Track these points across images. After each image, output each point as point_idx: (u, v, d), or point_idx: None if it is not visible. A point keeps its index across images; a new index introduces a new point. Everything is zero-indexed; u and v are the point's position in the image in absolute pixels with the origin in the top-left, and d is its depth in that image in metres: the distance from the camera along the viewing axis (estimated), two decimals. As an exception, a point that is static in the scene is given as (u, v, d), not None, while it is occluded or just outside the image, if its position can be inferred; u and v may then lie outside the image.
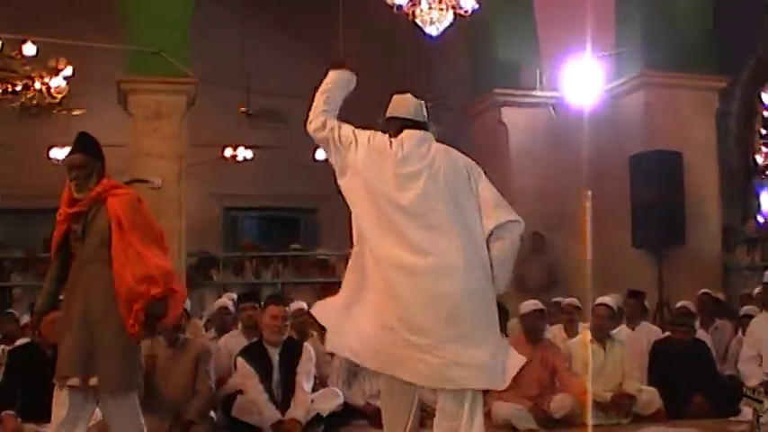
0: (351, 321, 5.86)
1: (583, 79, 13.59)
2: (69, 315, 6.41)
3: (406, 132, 6.08)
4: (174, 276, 6.47)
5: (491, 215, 6.04)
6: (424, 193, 5.84)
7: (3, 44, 12.17)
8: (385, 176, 5.92)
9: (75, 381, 6.24)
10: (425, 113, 6.31)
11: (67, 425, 6.26)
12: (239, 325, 10.02)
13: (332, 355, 9.49)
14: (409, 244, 5.74)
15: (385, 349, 5.73)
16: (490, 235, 5.96)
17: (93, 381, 6.23)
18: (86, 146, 6.77)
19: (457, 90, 17.08)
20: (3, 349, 9.57)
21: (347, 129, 6.15)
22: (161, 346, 8.61)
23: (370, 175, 5.97)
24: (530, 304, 9.82)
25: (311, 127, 6.35)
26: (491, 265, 6.00)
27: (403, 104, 6.31)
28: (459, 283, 5.72)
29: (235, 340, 9.70)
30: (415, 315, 5.67)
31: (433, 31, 11.47)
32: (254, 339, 9.16)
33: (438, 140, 6.19)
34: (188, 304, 10.09)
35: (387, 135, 6.10)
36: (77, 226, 6.49)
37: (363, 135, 6.08)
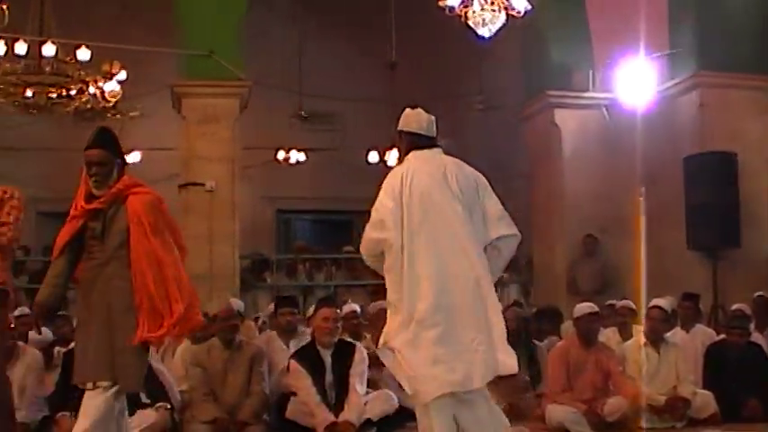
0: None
1: (636, 80, 13.52)
2: (89, 316, 6.27)
3: (413, 155, 6.31)
4: (193, 298, 6.47)
5: (495, 226, 6.26)
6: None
7: (57, 49, 12.28)
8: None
9: (104, 383, 6.09)
10: (436, 129, 6.48)
11: (100, 427, 6.08)
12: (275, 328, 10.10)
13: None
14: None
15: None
16: (488, 244, 6.15)
17: (121, 383, 6.12)
18: (106, 141, 6.57)
19: (509, 92, 17.04)
20: (58, 351, 9.64)
21: (382, 205, 6.16)
22: (217, 348, 8.67)
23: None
24: (584, 307, 9.76)
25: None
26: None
27: (415, 119, 6.46)
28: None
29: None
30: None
31: (485, 32, 11.44)
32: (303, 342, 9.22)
33: (446, 153, 6.41)
34: (241, 306, 10.14)
35: (397, 171, 6.24)
36: (96, 224, 6.33)
37: (388, 193, 6.15)
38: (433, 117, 6.51)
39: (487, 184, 6.42)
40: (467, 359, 5.82)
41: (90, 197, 6.39)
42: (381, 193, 6.17)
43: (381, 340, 6.11)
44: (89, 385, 6.10)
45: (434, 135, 6.45)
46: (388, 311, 6.11)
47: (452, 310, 5.85)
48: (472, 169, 6.43)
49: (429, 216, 6.02)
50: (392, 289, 6.01)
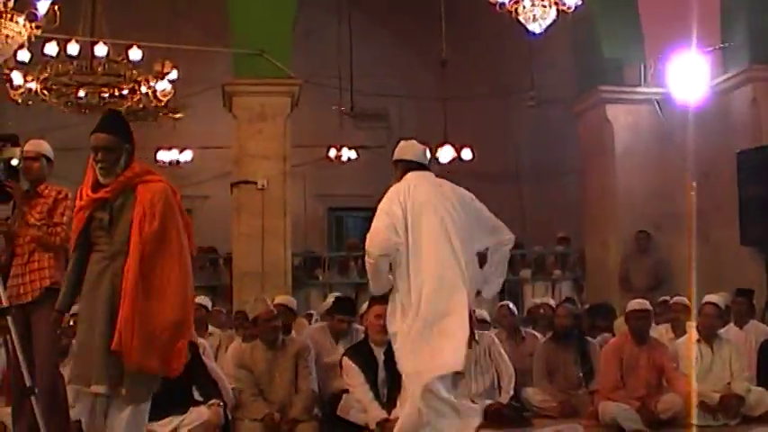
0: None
1: (688, 75, 13.40)
2: (93, 314, 5.84)
3: (410, 174, 7.11)
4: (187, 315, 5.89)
5: (492, 233, 7.21)
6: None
7: (109, 49, 12.37)
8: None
9: (101, 388, 5.79)
10: (428, 157, 7.41)
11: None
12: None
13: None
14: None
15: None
16: (487, 248, 7.10)
17: (123, 392, 5.78)
18: (115, 125, 6.05)
19: (561, 88, 16.97)
20: (112, 348, 9.71)
21: (392, 211, 6.99)
22: (260, 349, 8.67)
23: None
24: (634, 303, 9.75)
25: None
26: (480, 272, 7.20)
27: (411, 149, 7.25)
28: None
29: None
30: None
31: (536, 28, 11.39)
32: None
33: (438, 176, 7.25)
34: (294, 303, 10.16)
35: (399, 186, 7.12)
36: (102, 214, 5.91)
37: (394, 202, 7.02)
38: (425, 147, 7.35)
39: (473, 196, 7.24)
40: (450, 349, 6.66)
41: (97, 186, 5.97)
42: (387, 201, 6.97)
43: (390, 329, 6.94)
44: (95, 389, 5.82)
45: (427, 163, 7.30)
46: (392, 305, 6.90)
47: (446, 311, 6.69)
48: (461, 188, 7.23)
49: (431, 224, 6.82)
50: (399, 286, 6.79)
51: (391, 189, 7.07)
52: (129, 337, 5.62)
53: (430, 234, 6.79)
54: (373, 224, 6.99)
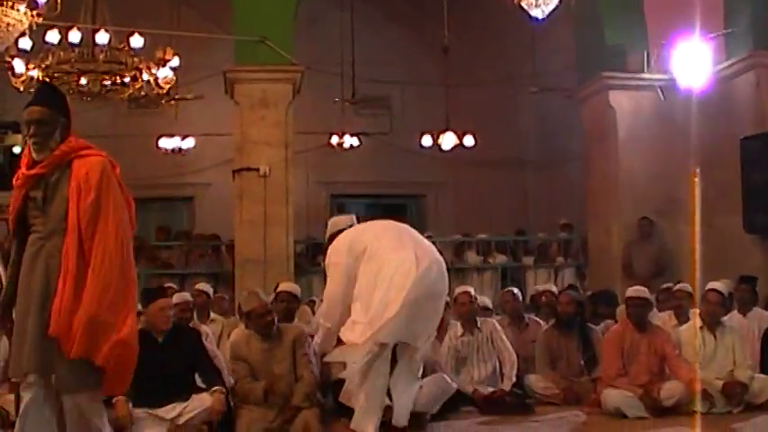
0: None
1: (691, 61, 13.36)
2: (28, 299, 5.46)
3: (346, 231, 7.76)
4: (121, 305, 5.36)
5: None
6: None
7: (110, 37, 12.35)
8: None
9: (33, 378, 5.41)
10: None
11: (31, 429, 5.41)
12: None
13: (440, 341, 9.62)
14: None
15: None
16: None
17: (53, 379, 5.40)
18: (48, 98, 5.68)
19: (564, 74, 16.94)
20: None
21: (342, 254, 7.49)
22: (255, 340, 8.61)
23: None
24: (632, 291, 9.76)
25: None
26: None
27: (343, 220, 8.05)
28: None
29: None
30: None
31: (538, 14, 11.34)
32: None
33: None
34: (298, 290, 10.16)
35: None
36: (37, 192, 5.51)
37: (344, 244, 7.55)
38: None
39: None
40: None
41: (32, 163, 5.60)
42: (335, 255, 7.51)
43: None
44: (29, 380, 5.45)
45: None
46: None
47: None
48: None
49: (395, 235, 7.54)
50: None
51: (333, 245, 7.62)
52: (67, 320, 5.26)
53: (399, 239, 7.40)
54: (329, 288, 7.48)
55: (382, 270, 7.06)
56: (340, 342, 7.42)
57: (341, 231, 7.77)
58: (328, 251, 7.57)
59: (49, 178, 5.50)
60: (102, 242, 5.34)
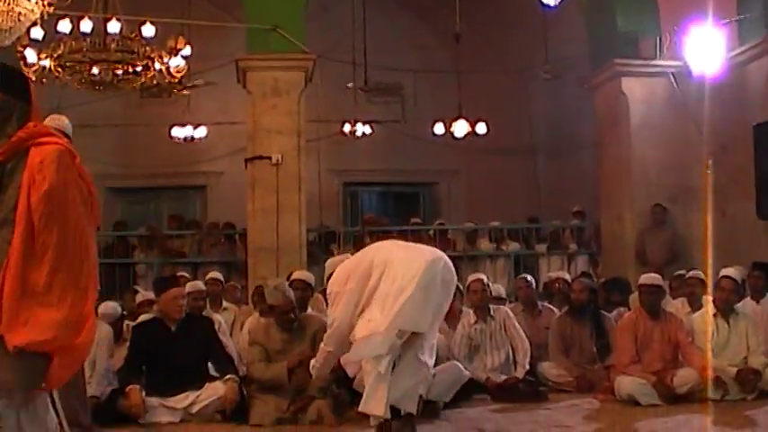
0: None
1: (704, 47, 13.31)
2: None
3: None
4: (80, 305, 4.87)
5: None
6: None
7: (122, 26, 12.35)
8: None
9: None
10: None
11: None
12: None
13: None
14: None
15: None
16: None
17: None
18: (3, 82, 5.16)
19: (575, 61, 16.90)
20: (127, 325, 9.75)
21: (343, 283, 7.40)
22: (274, 329, 8.62)
23: None
24: (645, 278, 9.74)
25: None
26: None
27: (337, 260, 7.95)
28: None
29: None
30: None
31: (550, 1, 11.34)
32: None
33: None
34: (311, 279, 10.18)
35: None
36: None
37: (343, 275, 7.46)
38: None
39: None
40: None
41: None
42: (338, 284, 7.40)
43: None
44: None
45: None
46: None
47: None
48: None
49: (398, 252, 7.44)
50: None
51: (333, 278, 7.54)
52: (13, 312, 4.78)
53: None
54: (335, 314, 7.35)
55: (391, 269, 7.10)
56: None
57: None
58: (328, 286, 7.55)
59: (5, 166, 5.05)
60: (55, 236, 4.90)
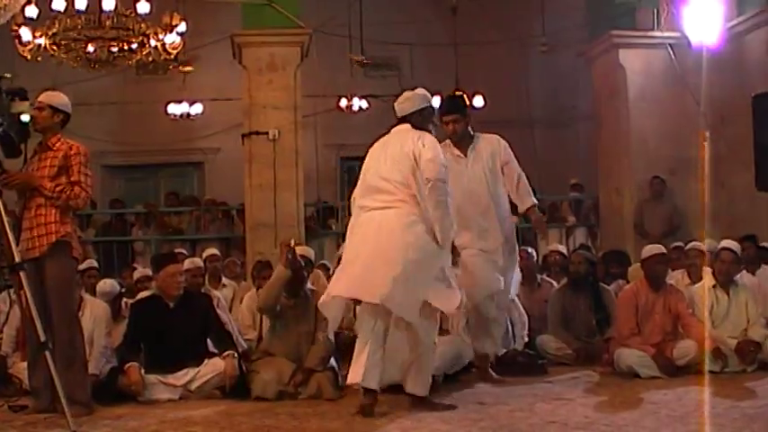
0: None
1: (702, 18, 13.26)
2: None
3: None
4: None
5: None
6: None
7: (117, 3, 12.30)
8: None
9: None
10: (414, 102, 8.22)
11: None
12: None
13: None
14: None
15: None
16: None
17: None
18: None
19: (573, 33, 16.85)
20: (126, 302, 9.73)
21: None
22: (283, 296, 8.65)
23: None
24: (651, 248, 9.66)
25: None
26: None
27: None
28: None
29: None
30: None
31: (547, -27, 11.29)
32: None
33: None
34: (312, 254, 10.14)
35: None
36: None
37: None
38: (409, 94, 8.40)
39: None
40: None
41: None
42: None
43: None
44: None
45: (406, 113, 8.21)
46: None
47: None
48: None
49: None
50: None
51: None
52: None
53: None
54: (434, 153, 7.40)
55: (353, 236, 7.45)
56: None
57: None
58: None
59: None
60: None
